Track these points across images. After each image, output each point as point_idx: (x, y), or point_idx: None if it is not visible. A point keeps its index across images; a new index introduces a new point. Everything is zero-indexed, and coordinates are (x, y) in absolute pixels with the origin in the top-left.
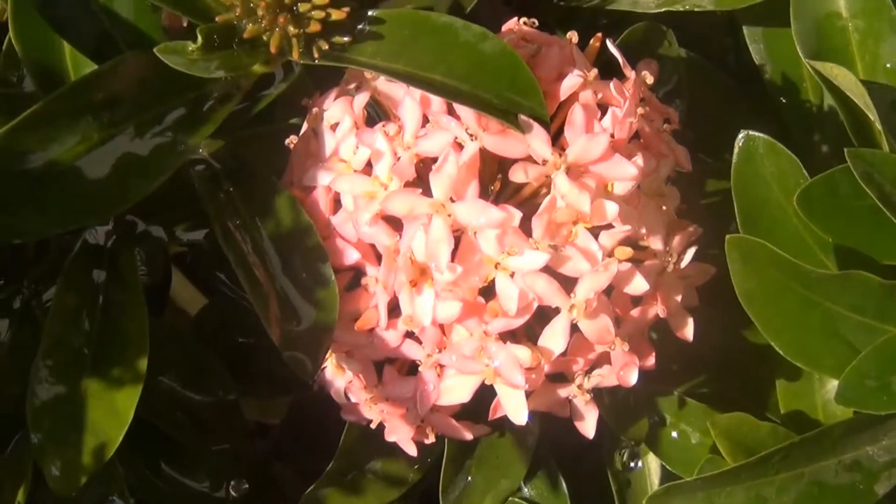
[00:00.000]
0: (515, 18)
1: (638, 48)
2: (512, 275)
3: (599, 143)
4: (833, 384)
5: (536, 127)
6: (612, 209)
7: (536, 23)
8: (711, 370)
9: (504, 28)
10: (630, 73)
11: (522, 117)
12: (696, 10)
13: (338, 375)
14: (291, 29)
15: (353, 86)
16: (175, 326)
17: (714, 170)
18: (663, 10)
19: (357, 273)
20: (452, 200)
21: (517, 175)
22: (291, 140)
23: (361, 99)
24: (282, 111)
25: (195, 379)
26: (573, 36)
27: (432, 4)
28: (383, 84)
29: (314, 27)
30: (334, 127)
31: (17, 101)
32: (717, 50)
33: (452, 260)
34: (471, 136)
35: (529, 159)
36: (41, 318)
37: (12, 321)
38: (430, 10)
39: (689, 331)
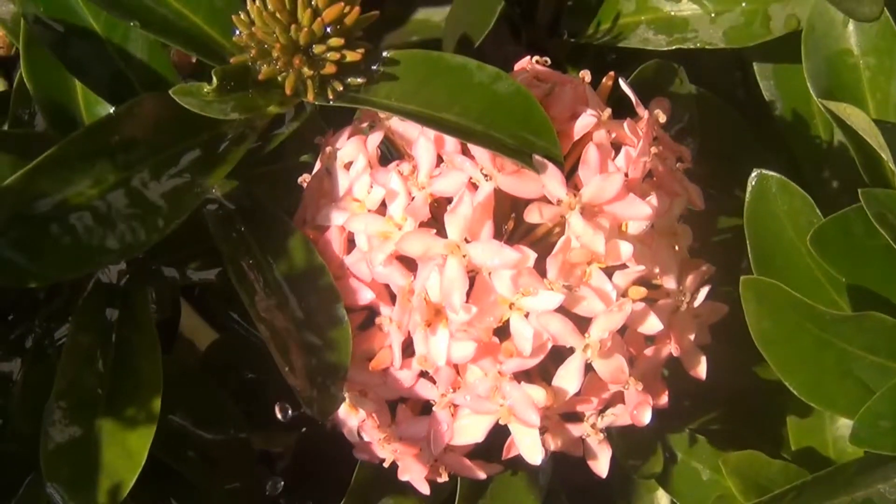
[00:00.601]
0: (528, 57)
1: (649, 86)
2: (527, 315)
3: (614, 183)
4: (844, 421)
5: (551, 167)
6: (626, 249)
7: (549, 61)
8: (722, 407)
9: (517, 67)
10: (643, 113)
11: (537, 157)
12: (707, 47)
13: (351, 414)
14: (306, 70)
15: (365, 124)
16: (184, 362)
17: (725, 206)
18: (674, 47)
19: (370, 312)
20: (467, 241)
21: (532, 216)
22: (304, 179)
23: (375, 138)
24: (292, 148)
25: (206, 417)
26: (586, 75)
27: (441, 36)
28: (397, 123)
29: (329, 69)
30: (348, 166)
31: (29, 141)
32: (727, 84)
33: (467, 300)
34: (485, 176)
35: (544, 199)
36: (53, 358)
37: (24, 360)
38: (438, 41)
39: (701, 369)
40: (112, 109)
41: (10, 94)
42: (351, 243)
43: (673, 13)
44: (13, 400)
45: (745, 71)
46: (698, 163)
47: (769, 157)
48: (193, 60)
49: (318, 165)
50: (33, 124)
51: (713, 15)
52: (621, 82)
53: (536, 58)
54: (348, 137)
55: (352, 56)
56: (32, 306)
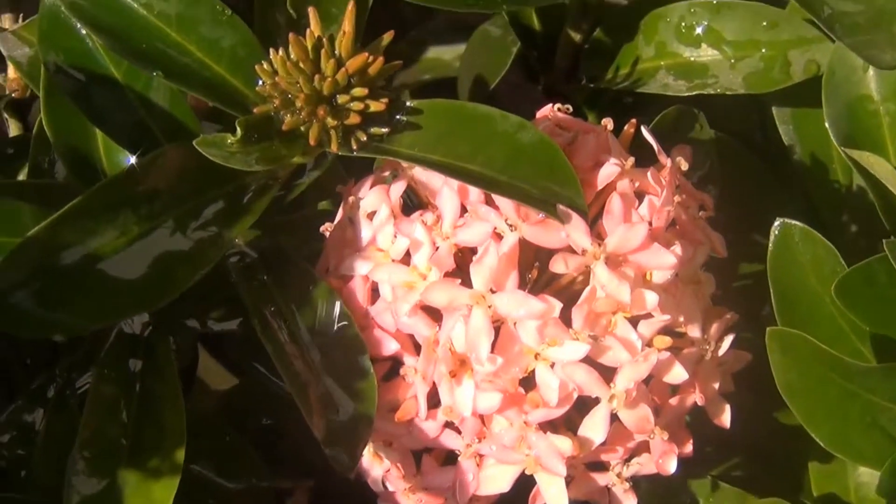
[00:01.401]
0: (550, 105)
1: (670, 132)
2: (552, 365)
3: (638, 232)
4: (865, 469)
5: (575, 217)
6: (651, 299)
7: (570, 109)
8: (744, 452)
9: (538, 114)
10: (665, 161)
11: (561, 207)
12: (727, 93)
13: (375, 464)
14: (330, 121)
15: (387, 173)
16: (203, 409)
17: (744, 252)
18: (695, 93)
19: (394, 362)
20: (492, 291)
21: (558, 266)
22: (326, 227)
23: (398, 188)
24: (311, 196)
25: (227, 466)
26: (608, 123)
27: (452, 75)
28: (420, 172)
29: (353, 119)
30: (371, 215)
31: (50, 191)
32: (744, 127)
33: (492, 351)
34: (510, 226)
35: (568, 249)
36: (75, 407)
37: (46, 410)
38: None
39: (726, 418)
40: (133, 159)
41: (25, 138)
42: (375, 293)
43: (692, 59)
44: (36, 450)
45: (762, 113)
46: (717, 208)
47: (787, 202)
48: (210, 104)
49: (340, 214)
50: (53, 172)
51: (733, 60)
52: (644, 130)
53: (558, 105)
54: (371, 187)
55: (375, 106)
56: (53, 356)
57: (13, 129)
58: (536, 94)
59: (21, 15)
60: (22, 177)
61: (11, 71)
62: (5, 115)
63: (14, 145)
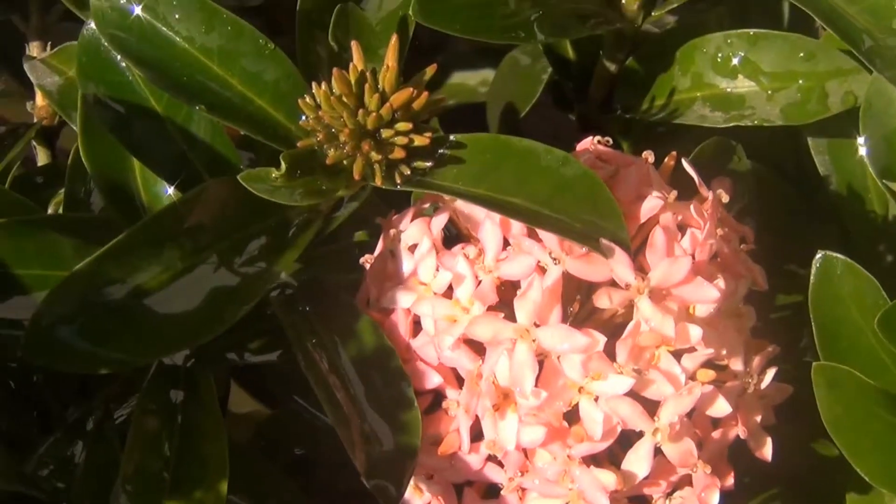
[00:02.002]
0: (590, 137)
1: (708, 163)
2: (596, 399)
3: (682, 267)
4: None
5: (619, 251)
6: (695, 333)
7: (611, 141)
8: (781, 483)
9: (579, 147)
10: (707, 193)
11: (604, 241)
12: (764, 125)
13: (416, 497)
14: (374, 155)
15: (427, 205)
16: (237, 439)
17: (780, 283)
18: (731, 125)
19: (435, 395)
20: (536, 325)
21: (602, 301)
22: (366, 259)
23: (440, 221)
24: (348, 227)
25: (264, 497)
26: (649, 156)
27: (476, 100)
28: (462, 205)
29: (398, 154)
30: (412, 248)
31: (89, 224)
32: (777, 156)
33: (536, 384)
34: (554, 259)
35: (612, 283)
36: (114, 439)
37: (85, 442)
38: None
39: (767, 451)
40: (171, 190)
41: (55, 166)
42: (416, 326)
43: (729, 90)
44: (76, 482)
45: (795, 142)
46: (755, 240)
47: (823, 232)
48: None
49: (380, 247)
50: (89, 202)
51: (770, 92)
52: (685, 163)
53: (598, 138)
54: (411, 219)
55: (420, 140)
56: (86, 386)
57: (41, 156)
58: (566, 122)
59: (49, 43)
60: (52, 206)
61: (40, 98)
62: (34, 143)
63: (43, 174)
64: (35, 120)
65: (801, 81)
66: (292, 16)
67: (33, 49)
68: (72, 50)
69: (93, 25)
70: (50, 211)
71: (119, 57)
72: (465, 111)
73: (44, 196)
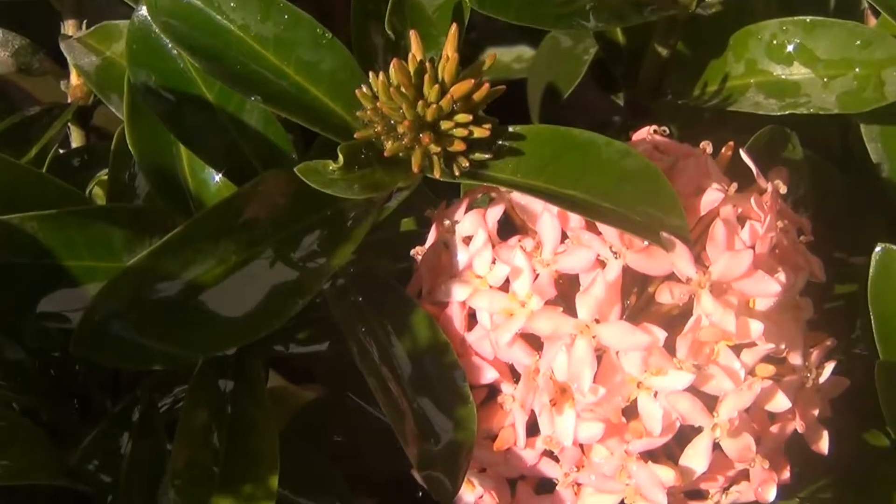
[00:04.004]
0: (647, 127)
1: (763, 152)
2: (655, 394)
3: (743, 260)
4: None
5: (680, 245)
6: (756, 328)
7: (667, 131)
8: (832, 474)
9: (635, 137)
10: (765, 184)
11: (665, 235)
12: (820, 112)
13: (467, 490)
14: (433, 147)
15: (480, 195)
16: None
17: (834, 273)
18: (787, 112)
19: (490, 389)
20: (597, 321)
21: (663, 297)
22: (417, 251)
23: (495, 213)
24: (395, 217)
25: (309, 488)
26: (707, 146)
27: (516, 77)
28: (518, 196)
29: (458, 146)
30: (467, 240)
31: (138, 215)
32: (825, 139)
33: (594, 380)
34: (614, 253)
35: (672, 277)
36: (160, 430)
37: (131, 434)
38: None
39: (824, 444)
40: (218, 177)
41: (92, 148)
42: (471, 320)
43: (784, 77)
44: (122, 476)
45: (842, 125)
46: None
47: (874, 221)
48: None
49: (433, 238)
50: (134, 186)
51: (825, 79)
52: (743, 154)
53: (654, 128)
54: (465, 210)
55: (479, 132)
56: (131, 376)
57: (76, 137)
58: (609, 104)
59: (85, 21)
60: (90, 189)
61: (74, 77)
62: (68, 124)
63: (80, 155)
64: (70, 100)
65: (857, 69)
66: (347, 3)
67: (68, 27)
68: (109, 29)
69: (144, 12)
70: (88, 194)
71: (171, 45)
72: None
73: (81, 178)
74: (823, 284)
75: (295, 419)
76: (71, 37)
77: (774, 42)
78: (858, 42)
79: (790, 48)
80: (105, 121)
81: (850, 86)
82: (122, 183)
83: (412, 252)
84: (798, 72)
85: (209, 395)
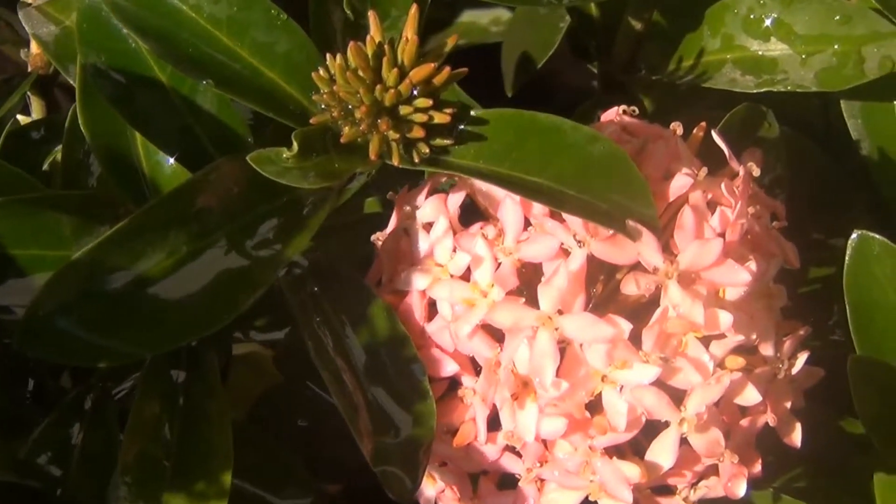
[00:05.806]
0: (616, 108)
1: (738, 130)
2: (620, 388)
3: (712, 249)
4: None
5: (646, 234)
6: (725, 319)
7: (637, 111)
8: (806, 463)
9: (603, 118)
10: (737, 167)
11: (631, 223)
12: (798, 90)
13: (428, 484)
14: (392, 133)
15: (444, 179)
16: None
17: (811, 256)
18: (764, 90)
19: (451, 382)
20: (560, 312)
21: (629, 287)
22: (378, 237)
23: (456, 199)
24: (356, 201)
25: (271, 480)
26: (678, 128)
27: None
28: (481, 182)
29: (417, 132)
30: (427, 227)
31: (88, 202)
32: (805, 115)
33: (557, 374)
34: (578, 242)
35: (638, 266)
36: (112, 421)
37: (82, 425)
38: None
39: (796, 436)
40: (172, 160)
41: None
42: (432, 309)
43: (761, 53)
44: (72, 469)
45: (824, 100)
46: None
47: (855, 199)
48: None
49: (393, 224)
50: (88, 163)
51: (804, 56)
52: (715, 136)
53: (624, 107)
54: (427, 196)
55: (440, 118)
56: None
57: (35, 108)
58: (584, 72)
59: None
60: (48, 164)
61: (34, 46)
62: (28, 93)
63: (38, 128)
64: (30, 69)
65: (836, 46)
66: None
67: None
68: None
69: None
70: (45, 168)
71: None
72: (477, 52)
73: (41, 153)
74: (803, 268)
75: (256, 406)
76: (30, 4)
77: (751, 16)
78: (838, 17)
79: (767, 23)
80: (67, 91)
81: (830, 62)
82: (75, 160)
83: (373, 238)
84: (776, 48)
85: (161, 386)
